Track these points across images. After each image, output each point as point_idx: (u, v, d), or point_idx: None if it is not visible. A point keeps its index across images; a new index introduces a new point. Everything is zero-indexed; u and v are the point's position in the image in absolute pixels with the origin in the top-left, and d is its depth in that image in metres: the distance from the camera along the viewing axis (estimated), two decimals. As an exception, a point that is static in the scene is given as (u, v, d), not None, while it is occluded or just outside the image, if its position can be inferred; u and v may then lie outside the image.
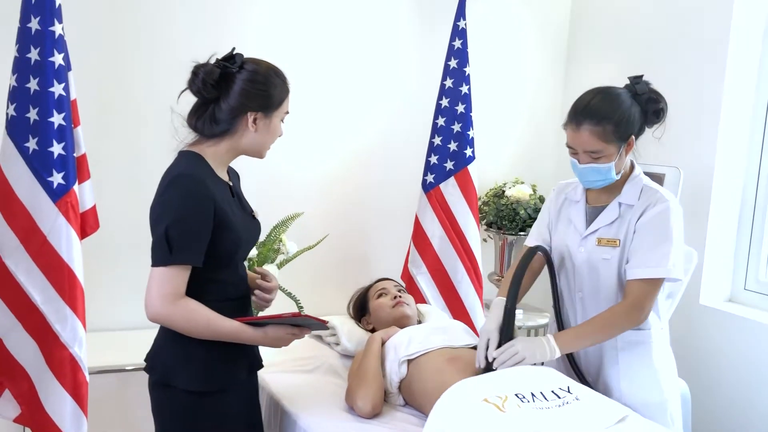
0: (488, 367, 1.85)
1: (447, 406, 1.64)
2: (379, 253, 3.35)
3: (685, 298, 2.77)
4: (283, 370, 2.17)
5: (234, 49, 1.71)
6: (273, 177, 3.05)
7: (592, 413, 1.63)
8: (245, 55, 1.73)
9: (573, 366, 2.00)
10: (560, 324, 2.09)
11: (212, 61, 1.69)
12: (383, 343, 2.10)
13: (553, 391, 1.69)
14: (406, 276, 3.18)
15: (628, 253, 1.93)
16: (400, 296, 2.30)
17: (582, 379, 1.99)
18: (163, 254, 1.59)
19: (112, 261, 2.80)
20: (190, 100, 1.74)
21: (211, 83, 1.67)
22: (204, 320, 1.63)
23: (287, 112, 1.78)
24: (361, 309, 2.41)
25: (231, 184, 1.79)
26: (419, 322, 2.35)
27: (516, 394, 1.64)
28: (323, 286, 3.04)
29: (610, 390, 1.98)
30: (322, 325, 1.79)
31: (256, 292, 1.92)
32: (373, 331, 2.30)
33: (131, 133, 2.82)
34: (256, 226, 1.87)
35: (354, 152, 3.28)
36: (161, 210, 1.63)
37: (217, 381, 1.72)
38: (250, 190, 2.01)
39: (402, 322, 2.23)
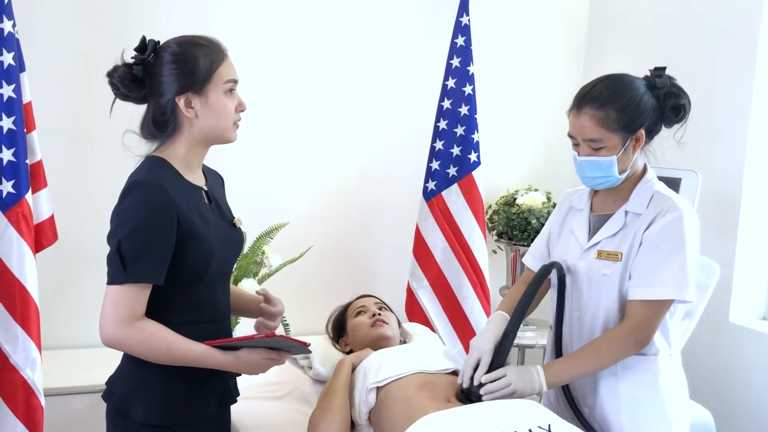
0: (470, 389, 1.66)
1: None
2: (375, 266, 3.14)
3: (713, 316, 2.49)
4: (248, 397, 1.95)
5: (144, 38, 1.52)
6: (259, 183, 2.87)
7: (573, 459, 1.39)
8: None
9: (565, 394, 1.75)
10: (558, 349, 1.84)
11: (126, 58, 1.51)
12: (354, 368, 1.88)
13: (530, 430, 1.45)
14: (408, 290, 2.97)
15: (632, 269, 1.68)
16: (379, 314, 2.08)
17: (575, 410, 1.74)
18: (117, 271, 1.42)
19: (77, 273, 2.62)
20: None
21: (131, 83, 1.50)
22: (164, 344, 1.45)
23: (233, 80, 1.54)
24: (339, 329, 2.20)
25: (206, 188, 1.61)
26: (403, 343, 2.13)
27: (485, 435, 1.40)
28: (313, 302, 2.81)
29: (608, 424, 1.72)
30: (303, 348, 1.56)
31: (259, 318, 1.74)
32: (350, 353, 2.08)
33: (95, 139, 2.63)
34: (236, 236, 1.67)
35: (348, 157, 3.08)
36: (116, 221, 1.46)
37: (177, 414, 1.53)
38: (235, 198, 1.83)
39: (380, 344, 2.01)
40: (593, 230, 1.78)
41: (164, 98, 1.50)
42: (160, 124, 1.52)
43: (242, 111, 1.58)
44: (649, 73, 1.72)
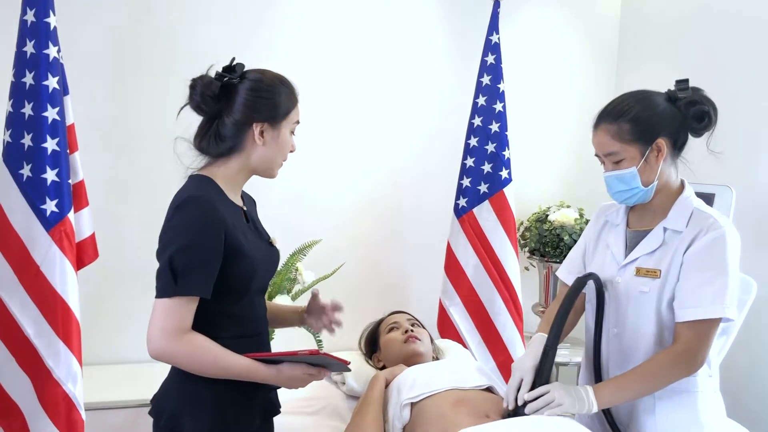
0: (516, 410, 1.63)
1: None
2: (407, 283, 3.16)
3: (752, 334, 2.44)
4: (283, 412, 1.96)
5: (234, 59, 1.59)
6: (294, 202, 2.93)
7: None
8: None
9: (603, 411, 1.73)
10: (596, 364, 1.81)
11: (211, 73, 1.57)
12: (388, 384, 1.89)
13: (566, 446, 1.45)
14: (440, 308, 2.97)
15: (676, 290, 1.66)
16: (412, 330, 2.09)
17: (613, 427, 1.72)
18: (167, 284, 1.45)
19: (116, 290, 2.69)
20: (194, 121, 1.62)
21: (211, 96, 1.54)
22: (211, 357, 1.48)
23: (297, 122, 1.64)
24: (371, 345, 2.21)
25: (245, 208, 1.66)
26: (435, 359, 2.14)
27: (522, 450, 1.40)
28: (346, 318, 2.80)
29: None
30: (344, 366, 1.59)
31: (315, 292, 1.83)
32: (383, 369, 2.09)
33: (134, 160, 2.73)
34: (273, 253, 1.72)
35: (381, 175, 3.12)
36: (167, 236, 1.50)
37: (226, 427, 1.56)
38: (269, 217, 1.88)
39: (412, 360, 2.02)
40: (630, 246, 1.76)
41: (237, 119, 1.55)
42: (221, 141, 1.57)
43: (292, 152, 1.65)
44: (673, 87, 1.71)
